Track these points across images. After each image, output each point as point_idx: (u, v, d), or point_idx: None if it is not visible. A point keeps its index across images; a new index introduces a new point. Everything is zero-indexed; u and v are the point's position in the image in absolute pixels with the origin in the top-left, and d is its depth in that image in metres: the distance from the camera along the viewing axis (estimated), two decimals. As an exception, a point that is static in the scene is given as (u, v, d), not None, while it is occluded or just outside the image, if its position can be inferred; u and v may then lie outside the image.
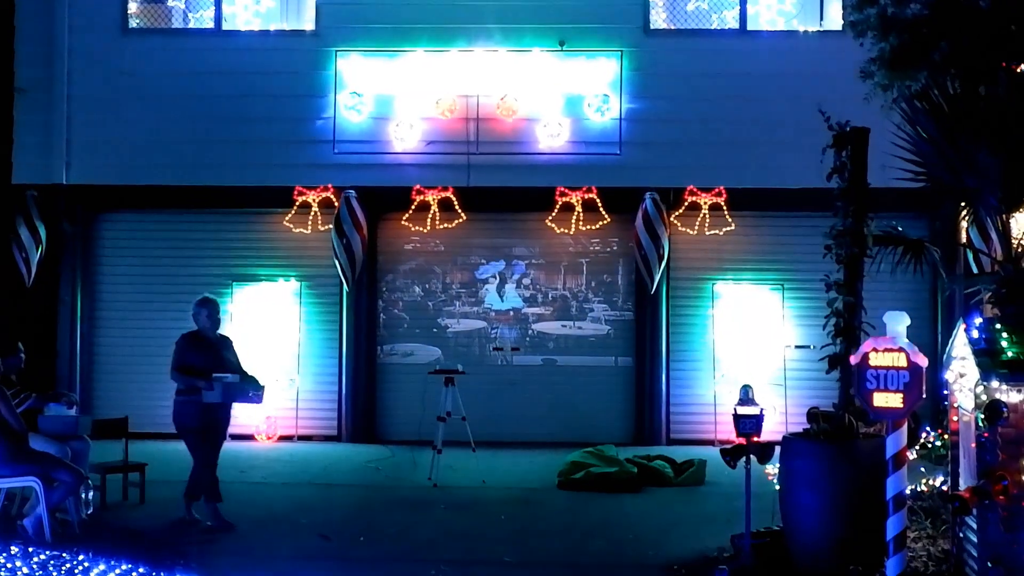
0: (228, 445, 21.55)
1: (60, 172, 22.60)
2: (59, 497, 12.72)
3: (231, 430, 21.82)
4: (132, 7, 23.08)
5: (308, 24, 22.93)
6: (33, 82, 22.11)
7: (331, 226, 22.31)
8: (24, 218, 22.09)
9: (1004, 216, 18.26)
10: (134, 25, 23.13)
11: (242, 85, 22.50)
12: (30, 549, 11.68)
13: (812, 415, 12.87)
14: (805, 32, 22.60)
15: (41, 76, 22.48)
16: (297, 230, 22.82)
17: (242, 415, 22.15)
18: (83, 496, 13.75)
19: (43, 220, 22.28)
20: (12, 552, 11.50)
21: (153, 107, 22.54)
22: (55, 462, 12.95)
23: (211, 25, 23.10)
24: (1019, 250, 18.14)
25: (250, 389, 12.36)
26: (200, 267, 23.10)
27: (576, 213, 22.61)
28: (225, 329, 21.63)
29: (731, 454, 12.12)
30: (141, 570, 11.02)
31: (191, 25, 23.32)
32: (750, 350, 22.29)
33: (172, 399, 13.89)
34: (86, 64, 22.72)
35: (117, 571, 11.02)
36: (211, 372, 11.93)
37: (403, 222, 22.85)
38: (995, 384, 11.11)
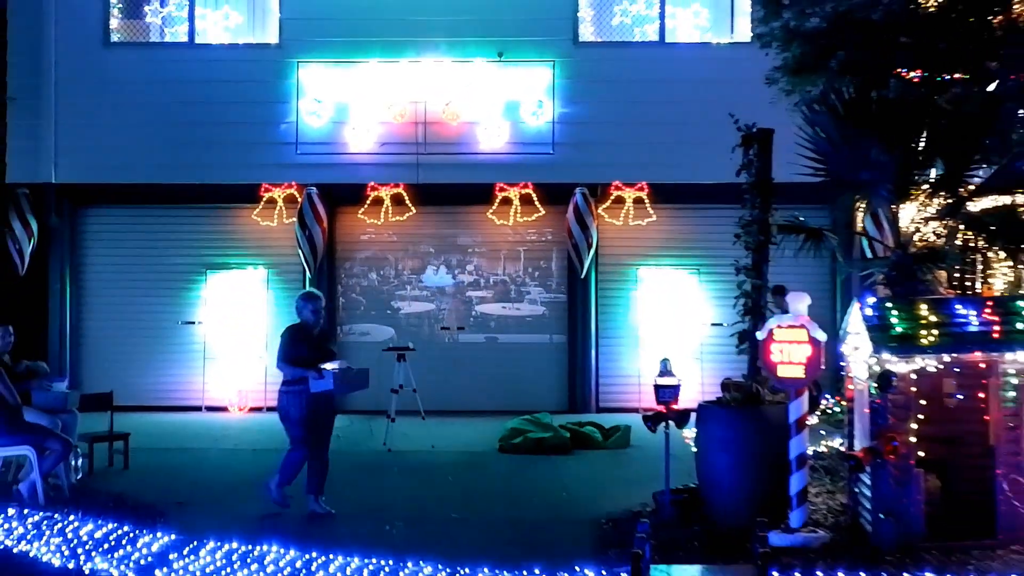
0: (203, 416, 22.00)
1: (49, 172, 22.98)
2: (51, 464, 13.11)
3: (205, 401, 22.39)
4: (113, 23, 23.53)
5: (272, 38, 23.41)
6: (24, 91, 22.89)
7: (295, 219, 22.79)
8: (17, 213, 22.58)
9: (894, 207, 18.90)
10: (115, 39, 23.52)
11: (213, 93, 22.93)
12: (25, 511, 12.20)
13: (724, 385, 13.40)
14: (717, 43, 23.11)
15: (31, 85, 23.03)
16: (264, 223, 23.31)
17: (214, 389, 22.56)
18: (72, 463, 14.16)
19: (34, 215, 22.72)
20: (9, 514, 11.99)
21: (133, 113, 22.96)
22: (47, 433, 13.35)
23: (185, 39, 23.58)
24: (907, 237, 18.69)
25: (358, 376, 12.34)
26: (176, 257, 23.67)
27: (514, 206, 23.09)
28: (200, 313, 22.18)
29: (652, 420, 12.56)
30: (125, 528, 11.54)
31: (167, 39, 23.61)
32: (670, 328, 22.73)
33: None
34: (72, 74, 23.12)
35: (104, 530, 11.53)
36: (317, 363, 11.84)
37: (359, 215, 23.36)
38: (886, 356, 11.82)
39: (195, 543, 11.04)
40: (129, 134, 22.87)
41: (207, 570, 10.27)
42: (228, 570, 10.25)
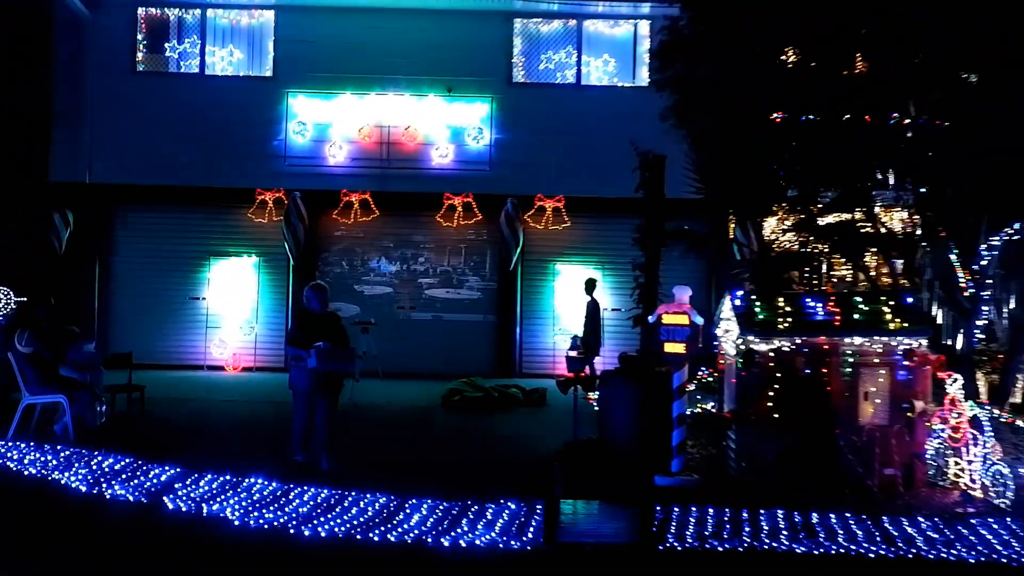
0: (205, 373, 21.86)
1: (84, 173, 22.81)
2: (80, 410, 13.22)
3: (207, 361, 22.22)
4: (139, 56, 23.35)
5: (268, 71, 23.29)
6: (66, 109, 23.04)
7: (282, 218, 22.68)
8: (56, 208, 22.47)
9: (758, 221, 18.93)
10: (140, 69, 23.32)
11: (218, 114, 22.86)
12: (59, 447, 12.42)
13: (622, 358, 13.41)
14: (622, 86, 23.19)
15: (71, 105, 22.98)
16: (257, 220, 23.15)
17: (214, 352, 22.50)
18: (98, 409, 14.11)
19: (72, 209, 22.57)
20: (46, 449, 12.20)
21: (153, 128, 22.80)
22: (77, 384, 13.56)
23: (197, 70, 23.39)
24: (769, 244, 18.81)
25: (340, 356, 12.08)
26: (186, 245, 23.50)
27: (457, 212, 23.01)
28: (204, 291, 22.01)
29: (563, 385, 12.66)
30: (139, 462, 11.64)
31: (182, 70, 23.32)
32: (580, 311, 22.71)
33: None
34: (104, 96, 22.95)
35: (123, 462, 11.55)
36: (310, 342, 11.61)
37: (334, 216, 23.24)
38: (750, 338, 12.12)
39: (196, 474, 11.23)
40: (150, 145, 22.68)
41: (205, 496, 10.27)
42: (221, 497, 10.24)
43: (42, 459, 11.78)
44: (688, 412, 12.39)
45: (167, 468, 11.37)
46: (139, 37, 23.31)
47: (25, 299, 16.90)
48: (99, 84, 22.99)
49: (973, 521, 9.95)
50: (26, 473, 11.30)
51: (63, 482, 10.86)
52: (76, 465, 11.51)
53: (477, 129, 23.02)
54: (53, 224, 22.33)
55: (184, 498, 10.18)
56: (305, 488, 10.66)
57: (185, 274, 23.44)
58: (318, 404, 11.65)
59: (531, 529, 9.17)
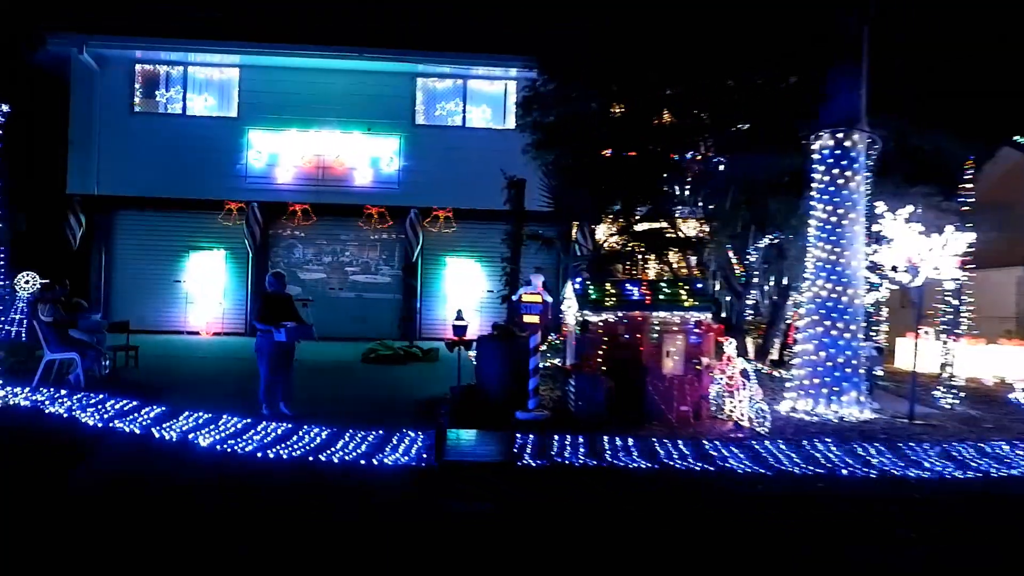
0: (185, 337, 21.49)
1: (94, 187, 22.27)
2: (88, 364, 13.02)
3: (186, 327, 21.86)
4: (136, 100, 22.78)
5: (233, 113, 22.88)
6: (80, 138, 22.67)
7: (243, 222, 22.38)
8: (72, 211, 21.94)
9: (592, 227, 19.08)
10: (137, 110, 22.75)
11: (196, 143, 22.51)
12: (72, 392, 12.23)
13: (494, 326, 13.49)
14: (496, 128, 23.09)
15: (83, 134, 22.49)
16: (224, 223, 22.81)
17: (191, 320, 22.15)
18: (103, 363, 13.92)
19: (84, 213, 22.02)
20: (63, 394, 12.02)
21: (147, 153, 22.36)
22: (86, 344, 13.41)
23: (180, 111, 22.91)
24: (600, 245, 18.95)
25: (303, 331, 12.00)
26: (170, 241, 23.11)
27: (374, 219, 22.92)
28: (184, 275, 21.60)
29: (450, 345, 12.62)
30: (135, 403, 11.42)
31: (169, 111, 22.83)
32: (464, 292, 22.78)
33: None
34: (109, 129, 22.44)
35: (122, 403, 11.40)
36: (280, 320, 11.44)
37: (283, 220, 23.04)
38: (586, 312, 12.14)
39: (177, 412, 11.05)
40: (143, 166, 22.23)
41: (184, 428, 10.13)
42: (198, 430, 10.10)
43: (60, 401, 11.63)
44: (541, 365, 12.45)
45: (156, 407, 11.21)
46: (136, 86, 22.75)
47: (47, 280, 16.55)
48: (105, 120, 22.42)
49: (742, 442, 10.25)
50: (47, 411, 11.15)
51: (78, 418, 10.72)
52: (86, 405, 11.38)
53: (389, 158, 22.90)
54: (69, 224, 22.03)
55: (169, 430, 10.06)
56: (267, 424, 10.62)
57: (169, 263, 22.98)
58: (280, 365, 11.53)
59: (425, 451, 9.24)
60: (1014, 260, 19.20)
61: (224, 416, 10.78)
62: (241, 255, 22.98)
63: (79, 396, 11.92)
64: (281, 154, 22.71)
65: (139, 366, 15.51)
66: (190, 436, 9.80)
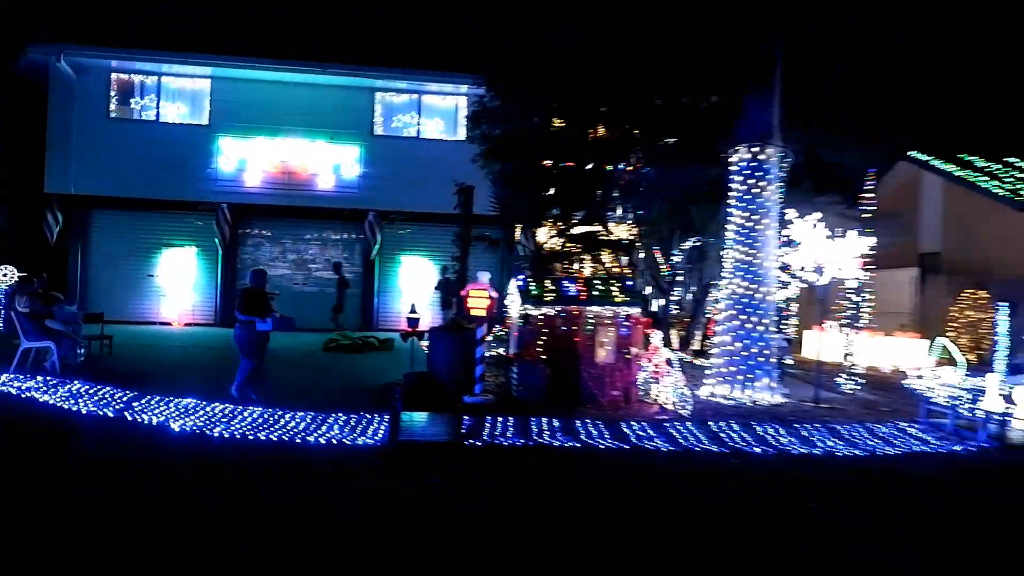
0: (157, 328, 21.09)
1: (71, 186, 21.86)
2: (64, 352, 12.70)
3: (162, 316, 21.51)
4: (112, 107, 22.43)
5: (205, 121, 22.61)
6: (58, 141, 22.12)
7: (214, 221, 22.08)
8: (50, 210, 21.53)
9: (534, 231, 19.06)
10: (113, 116, 22.40)
11: (169, 149, 22.22)
12: (49, 378, 11.90)
13: (446, 317, 13.35)
14: (448, 139, 23.08)
15: (63, 138, 22.09)
16: (196, 222, 22.53)
17: (164, 312, 21.84)
18: (78, 352, 13.54)
19: (61, 211, 21.56)
20: (39, 380, 11.68)
21: (122, 156, 22.02)
22: (62, 334, 13.02)
23: (153, 118, 22.59)
24: (541, 246, 18.96)
25: (286, 322, 11.92)
26: (144, 238, 22.88)
27: (338, 220, 22.61)
28: (157, 270, 21.29)
29: (404, 336, 12.51)
30: (108, 388, 11.17)
31: (143, 118, 22.52)
32: (418, 287, 22.70)
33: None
34: (86, 134, 22.06)
35: (95, 388, 11.18)
36: (264, 312, 11.29)
37: (251, 220, 22.63)
38: (527, 306, 12.07)
39: (148, 397, 10.72)
40: (118, 168, 21.88)
41: (154, 411, 9.90)
42: (167, 413, 9.89)
43: (36, 387, 11.27)
44: (486, 354, 12.43)
45: (128, 392, 10.96)
46: (112, 94, 22.36)
47: (26, 274, 16.14)
48: (82, 125, 21.99)
49: (667, 424, 10.28)
50: (24, 396, 10.80)
51: (51, 402, 10.41)
52: (60, 391, 11.05)
53: (350, 164, 22.72)
54: (47, 222, 21.63)
55: (140, 413, 9.83)
56: (238, 408, 10.44)
57: (143, 258, 22.62)
58: (259, 354, 11.34)
59: (381, 431, 9.20)
60: (909, 262, 19.56)
61: (193, 400, 10.56)
62: (211, 252, 22.66)
63: (54, 382, 11.61)
64: (249, 159, 22.39)
65: (113, 354, 15.11)
66: (161, 419, 9.58)
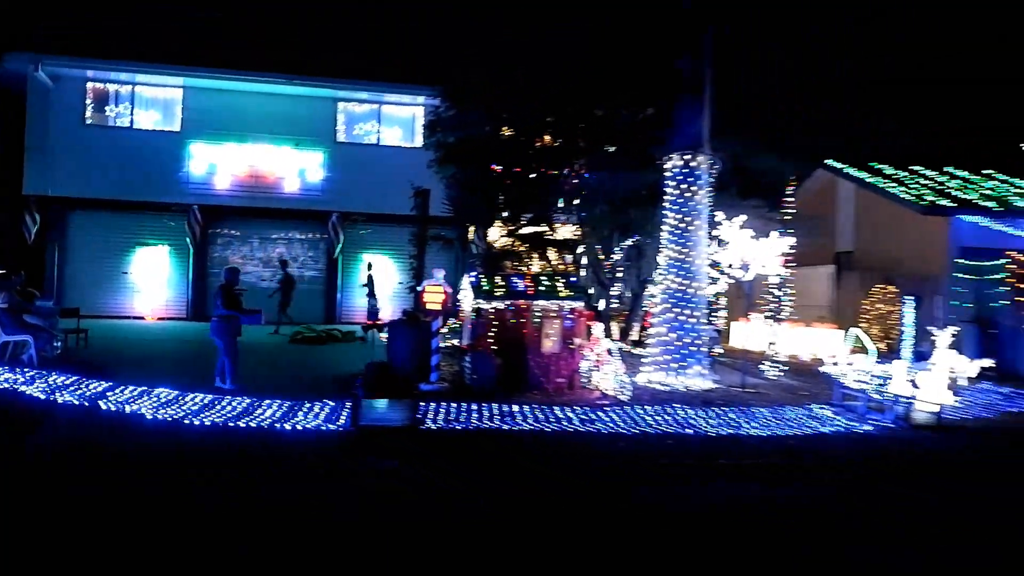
0: (131, 322, 20.72)
1: (48, 188, 21.36)
2: (41, 345, 12.40)
3: (136, 310, 21.14)
4: (88, 113, 21.95)
5: (177, 127, 22.22)
6: (36, 145, 21.74)
7: (185, 221, 21.75)
8: (28, 210, 21.06)
9: (485, 231, 19.05)
10: (89, 122, 21.89)
11: (143, 153, 21.87)
12: (27, 369, 11.51)
13: (404, 312, 13.31)
14: (406, 146, 22.96)
15: (40, 143, 21.54)
16: (168, 222, 22.14)
17: (137, 307, 21.48)
18: (54, 345, 13.27)
19: (39, 212, 21.12)
20: (17, 371, 11.31)
21: (97, 161, 21.57)
22: (39, 328, 12.71)
23: (128, 125, 22.16)
24: (492, 245, 18.96)
25: (257, 316, 11.87)
26: (118, 237, 22.42)
27: (303, 221, 22.36)
28: (131, 267, 20.94)
29: (366, 328, 12.44)
30: (83, 379, 10.94)
31: (118, 124, 22.06)
32: (379, 283, 22.44)
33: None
34: (63, 139, 21.62)
35: (71, 379, 10.87)
36: (241, 307, 11.15)
37: (220, 220, 22.29)
38: (479, 301, 12.07)
39: (122, 387, 10.50)
40: (94, 172, 21.44)
41: (127, 399, 9.72)
42: (140, 402, 9.71)
43: (14, 378, 10.94)
44: (441, 345, 12.40)
45: (102, 383, 10.70)
46: (88, 101, 21.88)
47: (4, 271, 15.69)
48: (59, 131, 21.48)
49: (607, 408, 10.36)
50: (2, 387, 10.51)
51: (29, 392, 10.14)
52: (38, 381, 10.74)
53: (315, 169, 22.51)
54: (25, 222, 21.08)
55: (113, 402, 9.63)
56: (202, 394, 10.29)
57: (118, 256, 22.15)
58: (235, 346, 11.16)
59: (343, 417, 9.15)
60: (826, 260, 19.84)
61: (166, 389, 10.38)
62: (183, 250, 22.29)
63: (32, 373, 11.27)
64: (219, 164, 22.06)
65: (88, 346, 14.82)
66: (134, 407, 9.41)
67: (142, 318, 21.78)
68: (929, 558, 5.37)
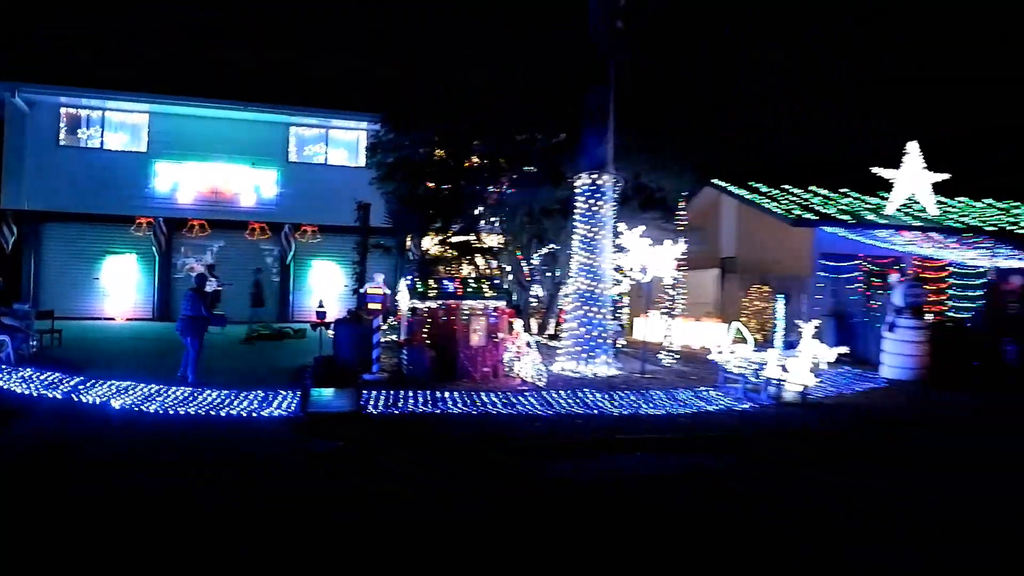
0: (101, 323, 19.97)
1: (25, 203, 20.45)
2: (18, 344, 11.89)
3: (106, 312, 20.39)
4: (61, 135, 21.02)
5: (144, 148, 21.38)
6: (12, 163, 20.73)
7: (151, 232, 21.04)
8: (5, 222, 20.13)
9: (420, 240, 18.93)
10: (62, 143, 20.97)
11: (112, 171, 21.07)
12: (4, 367, 11.14)
13: (348, 311, 13.15)
14: (351, 165, 22.53)
15: (16, 160, 20.59)
16: (135, 233, 21.31)
17: (107, 309, 20.77)
18: (30, 344, 12.80)
19: (16, 224, 20.23)
20: None
21: (70, 178, 20.72)
22: (16, 328, 12.10)
23: (98, 146, 21.22)
24: (426, 252, 18.83)
25: (222, 319, 11.54)
26: (90, 247, 21.49)
27: (257, 232, 21.99)
28: (102, 274, 20.22)
29: (314, 326, 12.24)
30: (57, 375, 10.58)
31: (89, 145, 21.19)
32: (326, 287, 22.22)
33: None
34: (39, 159, 20.67)
35: (47, 375, 10.51)
36: (209, 310, 10.82)
37: (183, 232, 21.69)
38: (415, 301, 11.93)
39: (93, 382, 10.17)
40: (67, 188, 20.56)
41: (100, 393, 9.43)
42: (109, 394, 9.44)
43: (-8, 374, 10.57)
44: (381, 340, 12.33)
45: (76, 378, 10.37)
46: (61, 124, 20.92)
47: (-18, 279, 15.08)
48: (35, 151, 20.52)
49: (527, 393, 10.44)
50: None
51: (7, 387, 9.79)
52: (16, 377, 10.36)
53: (269, 185, 21.93)
54: (3, 233, 20.12)
55: (87, 395, 9.36)
56: (164, 385, 10.03)
57: (89, 264, 21.24)
58: (200, 343, 10.88)
59: (294, 405, 9.06)
60: (712, 264, 20.24)
61: (133, 382, 10.10)
62: (149, 258, 21.52)
63: (9, 370, 10.87)
64: (182, 180, 21.37)
65: (62, 345, 14.31)
66: (104, 398, 9.16)
67: (112, 319, 21.01)
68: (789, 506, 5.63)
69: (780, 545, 4.92)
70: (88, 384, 9.98)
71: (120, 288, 21.50)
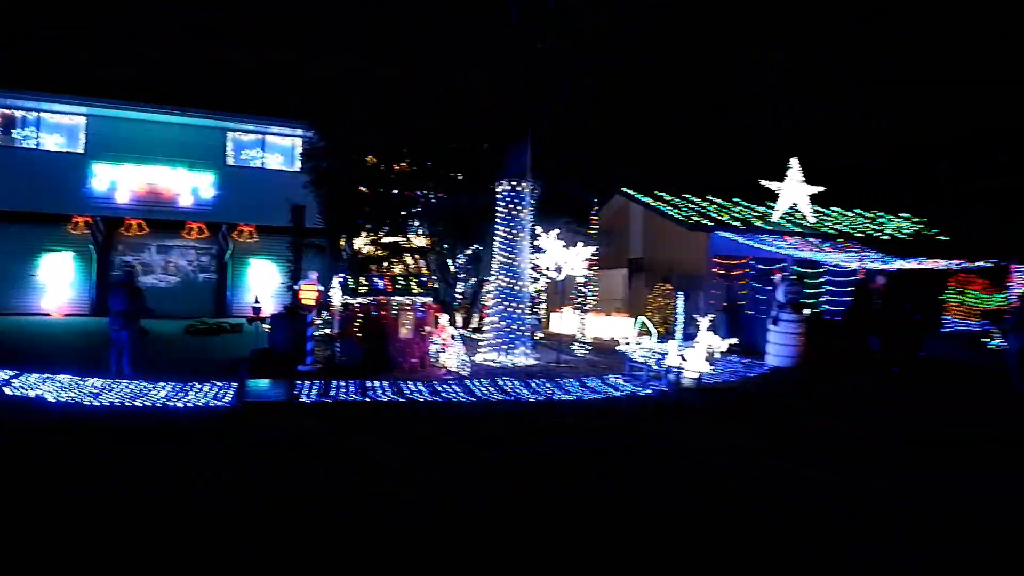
0: (38, 318, 18.92)
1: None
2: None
3: (43, 308, 19.32)
4: (-4, 135, 19.69)
5: (81, 149, 20.31)
6: None
7: (89, 232, 20.04)
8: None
9: (352, 240, 18.58)
10: (-2, 143, 19.69)
11: (51, 171, 19.94)
12: None
13: (284, 306, 12.84)
14: (287, 170, 21.93)
15: None
16: (73, 232, 20.29)
17: (44, 304, 19.68)
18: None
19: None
20: None
21: (7, 177, 19.52)
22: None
23: (35, 146, 20.02)
24: (359, 252, 18.51)
25: (150, 311, 11.00)
26: (27, 245, 20.23)
27: (195, 231, 21.22)
28: (39, 271, 19.18)
29: (251, 320, 11.96)
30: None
31: (26, 146, 19.96)
32: (262, 283, 21.62)
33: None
34: (-29, 156, 19.16)
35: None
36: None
37: (120, 232, 20.80)
38: (347, 297, 11.71)
39: (26, 374, 9.60)
40: (4, 187, 19.36)
41: (33, 384, 8.92)
42: (43, 387, 8.93)
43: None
44: (315, 334, 12.11)
45: (8, 371, 9.80)
46: (-4, 124, 19.79)
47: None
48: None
49: (452, 382, 10.44)
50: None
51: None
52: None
53: (206, 187, 21.11)
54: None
55: (17, 388, 8.84)
56: (123, 381, 9.56)
57: (26, 261, 20.06)
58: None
59: (230, 395, 8.81)
60: (621, 264, 20.65)
61: (69, 376, 9.61)
62: (86, 256, 20.47)
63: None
64: (120, 181, 20.38)
65: (-2, 340, 13.54)
66: (39, 392, 8.66)
67: (48, 314, 19.89)
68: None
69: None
70: (22, 378, 9.43)
71: (56, 284, 20.39)
